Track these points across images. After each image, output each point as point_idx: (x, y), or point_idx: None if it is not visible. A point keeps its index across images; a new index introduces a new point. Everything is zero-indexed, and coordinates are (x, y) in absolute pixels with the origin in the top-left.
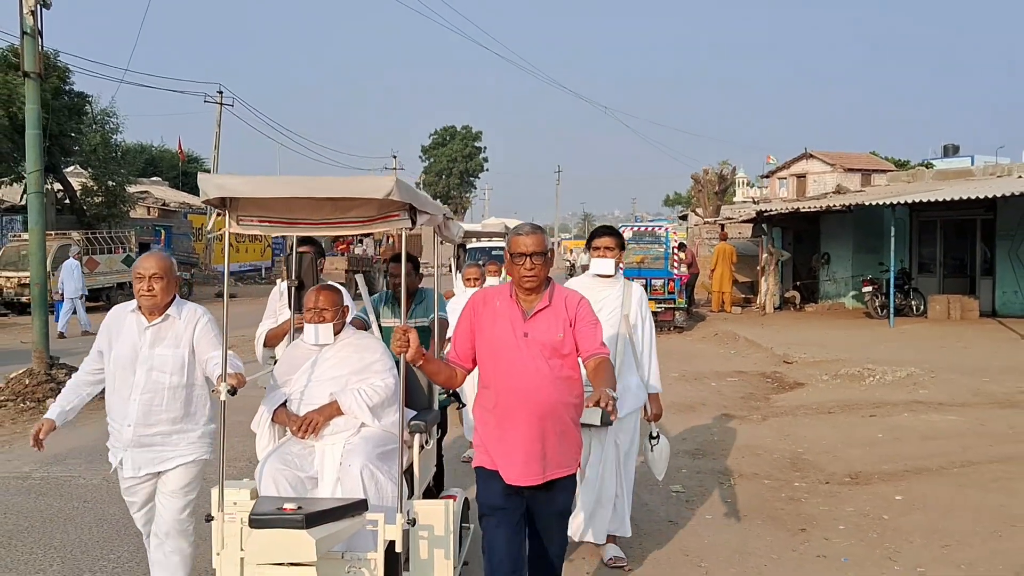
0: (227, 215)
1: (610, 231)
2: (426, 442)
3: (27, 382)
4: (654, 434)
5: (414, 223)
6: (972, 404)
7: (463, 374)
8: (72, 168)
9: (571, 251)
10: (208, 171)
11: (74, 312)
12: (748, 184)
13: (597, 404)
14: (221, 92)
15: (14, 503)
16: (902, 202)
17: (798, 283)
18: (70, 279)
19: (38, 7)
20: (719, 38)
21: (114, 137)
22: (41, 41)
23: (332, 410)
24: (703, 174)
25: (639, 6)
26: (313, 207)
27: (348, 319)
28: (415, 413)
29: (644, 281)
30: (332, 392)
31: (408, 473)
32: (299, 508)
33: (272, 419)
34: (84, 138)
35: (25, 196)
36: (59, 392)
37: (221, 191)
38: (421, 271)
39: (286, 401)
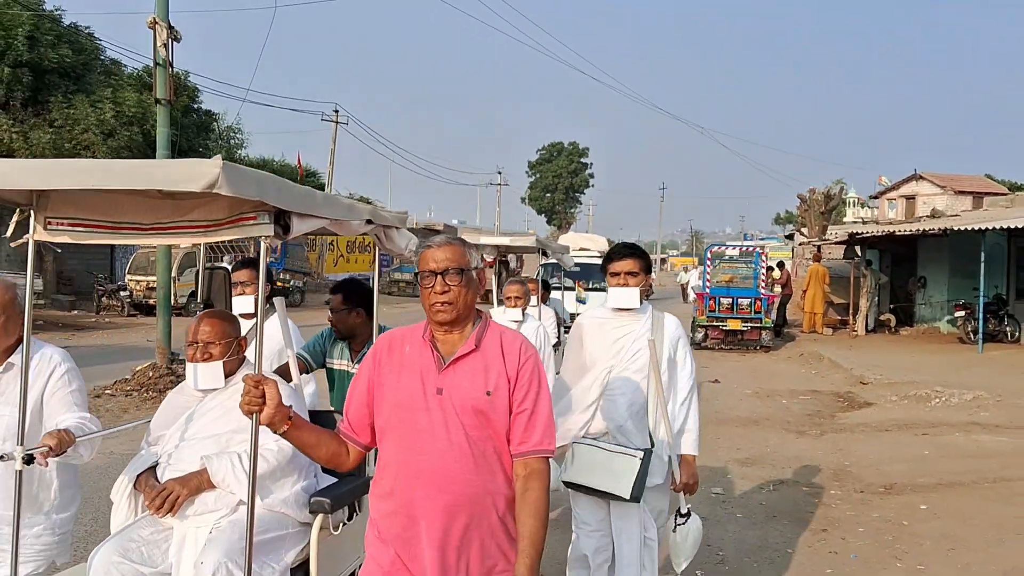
0: (32, 216)
1: (632, 251)
2: (335, 527)
3: (150, 375)
4: (683, 511)
5: (287, 230)
6: None
7: (356, 453)
8: None
9: (684, 268)
10: (323, 185)
11: None
12: (860, 204)
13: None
14: (337, 111)
15: None
16: (993, 228)
17: (893, 306)
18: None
19: (170, 40)
20: (840, 58)
21: (238, 152)
22: (172, 70)
23: (200, 481)
24: (809, 194)
25: (753, 32)
26: (146, 207)
27: (282, 360)
28: (331, 483)
29: (731, 300)
30: (205, 456)
31: (304, 571)
32: None
33: (135, 486)
34: (211, 153)
35: None
36: (178, 384)
37: None
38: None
39: (156, 464)
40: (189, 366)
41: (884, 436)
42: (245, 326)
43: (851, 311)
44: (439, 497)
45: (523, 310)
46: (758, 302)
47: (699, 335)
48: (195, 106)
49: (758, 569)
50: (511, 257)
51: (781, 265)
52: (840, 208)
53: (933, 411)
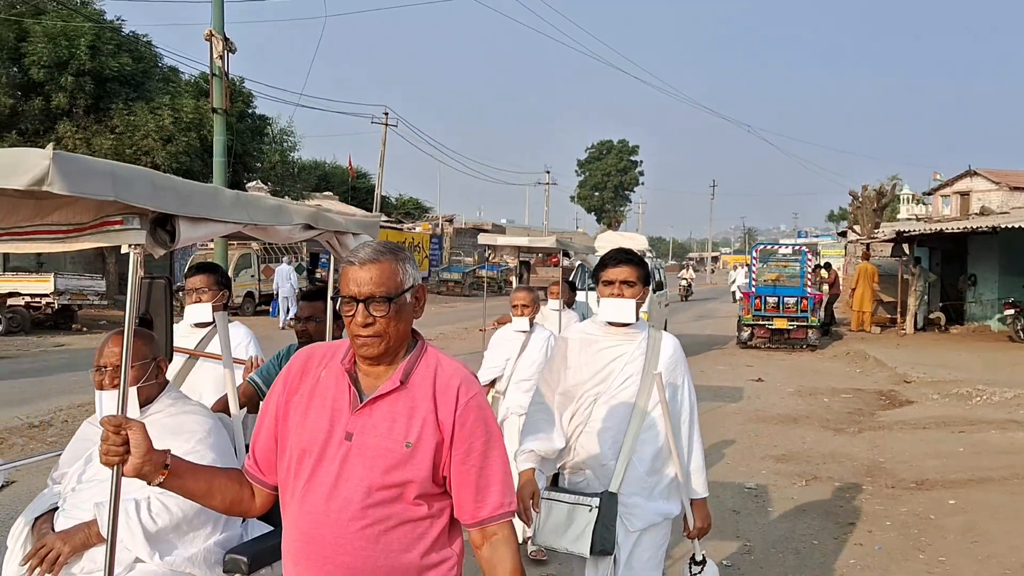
0: None
1: (629, 258)
2: None
3: None
4: (698, 558)
5: (173, 237)
6: None
7: (264, 497)
8: (254, 183)
9: (735, 267)
10: (374, 187)
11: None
12: (915, 201)
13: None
14: (387, 114)
15: None
16: None
17: (943, 304)
18: (285, 281)
19: (225, 52)
20: (899, 55)
21: (291, 155)
22: (227, 80)
23: (87, 535)
24: (862, 191)
25: (809, 31)
26: (7, 208)
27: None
28: (264, 533)
29: (777, 299)
30: (98, 503)
31: None
32: None
33: (32, 530)
34: (265, 156)
35: None
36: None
37: None
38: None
39: (58, 507)
40: (96, 394)
41: (921, 433)
42: (196, 337)
43: (899, 309)
44: (322, 570)
45: (531, 320)
46: (804, 301)
47: (745, 334)
48: (250, 111)
49: (783, 559)
50: (566, 260)
51: (828, 266)
52: (894, 205)
53: (973, 409)
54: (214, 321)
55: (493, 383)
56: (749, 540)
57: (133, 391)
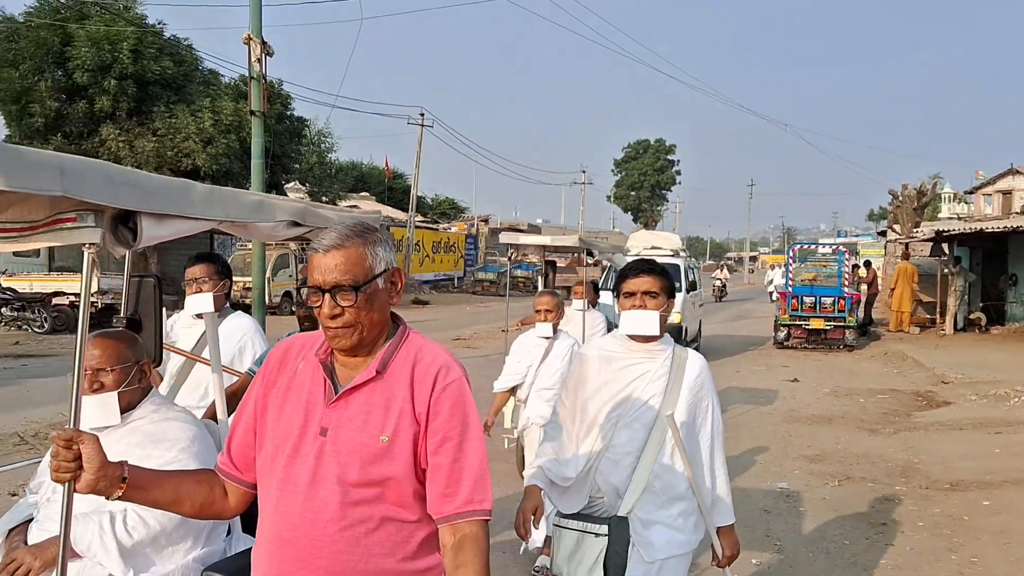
0: None
1: (652, 268)
2: None
3: None
4: None
5: (134, 236)
6: None
7: (240, 496)
8: (292, 184)
9: (772, 267)
10: (410, 187)
11: None
12: (957, 200)
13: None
14: (423, 114)
15: None
16: None
17: (984, 304)
18: None
19: (263, 55)
20: (939, 54)
21: (329, 156)
22: (265, 83)
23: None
24: (902, 190)
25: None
26: None
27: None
28: (246, 548)
29: (814, 299)
30: (78, 514)
31: None
32: None
33: (5, 542)
34: (303, 157)
35: None
36: None
37: None
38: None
39: (33, 518)
40: (83, 400)
41: (957, 434)
42: (198, 330)
43: (938, 310)
44: (297, 575)
45: (555, 326)
46: (841, 301)
47: (781, 334)
48: (288, 113)
49: (813, 559)
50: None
51: (868, 264)
52: (935, 204)
53: (1011, 410)
54: (216, 312)
55: (514, 390)
56: (779, 540)
57: (114, 396)
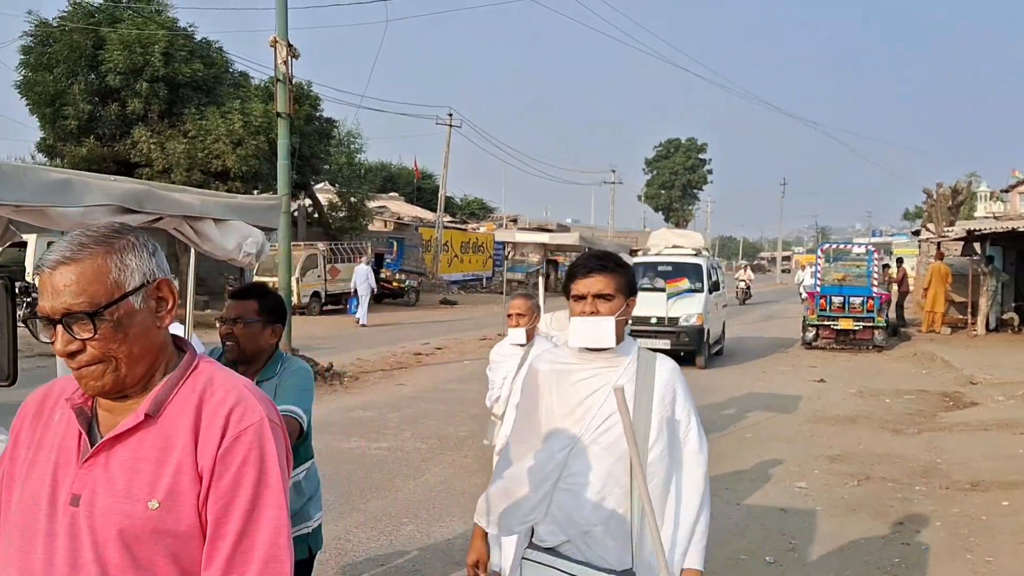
0: None
1: (603, 265)
2: None
3: None
4: None
5: None
6: None
7: None
8: (321, 185)
9: (803, 267)
10: (438, 187)
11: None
12: (993, 199)
13: None
14: (451, 115)
15: None
16: None
17: (1016, 304)
18: (364, 281)
19: (289, 58)
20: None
21: (358, 157)
22: (291, 85)
23: None
24: (936, 188)
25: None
26: None
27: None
28: None
29: (843, 299)
30: None
31: None
32: None
33: None
34: (331, 158)
35: None
36: None
37: None
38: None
39: None
40: None
41: (981, 435)
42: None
43: (970, 310)
44: None
45: (530, 331)
46: (870, 301)
47: (810, 334)
48: (317, 114)
49: (827, 557)
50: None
51: (900, 261)
52: (971, 203)
53: None
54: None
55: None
56: (795, 538)
57: None
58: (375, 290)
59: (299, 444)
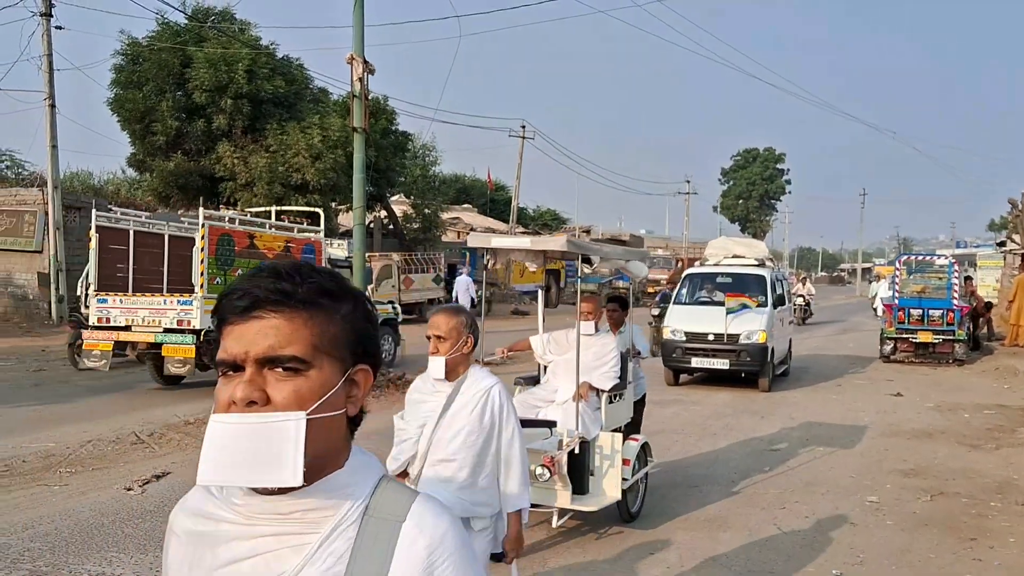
0: None
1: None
2: None
3: None
4: None
5: None
6: None
7: None
8: (396, 197)
9: (879, 279)
10: (511, 199)
11: None
12: None
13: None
14: (524, 127)
15: None
16: None
17: None
18: (464, 293)
19: (365, 74)
20: None
21: (432, 169)
22: (367, 100)
23: None
24: (1021, 198)
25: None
26: None
27: None
28: None
29: (922, 311)
30: None
31: None
32: None
33: None
34: (407, 171)
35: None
36: None
37: None
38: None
39: None
40: None
41: None
42: None
43: None
44: None
45: (456, 360)
46: (950, 313)
47: (887, 347)
48: (393, 127)
49: (895, 572)
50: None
51: (968, 280)
52: None
53: None
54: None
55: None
56: (863, 552)
57: None
58: (475, 300)
59: None
